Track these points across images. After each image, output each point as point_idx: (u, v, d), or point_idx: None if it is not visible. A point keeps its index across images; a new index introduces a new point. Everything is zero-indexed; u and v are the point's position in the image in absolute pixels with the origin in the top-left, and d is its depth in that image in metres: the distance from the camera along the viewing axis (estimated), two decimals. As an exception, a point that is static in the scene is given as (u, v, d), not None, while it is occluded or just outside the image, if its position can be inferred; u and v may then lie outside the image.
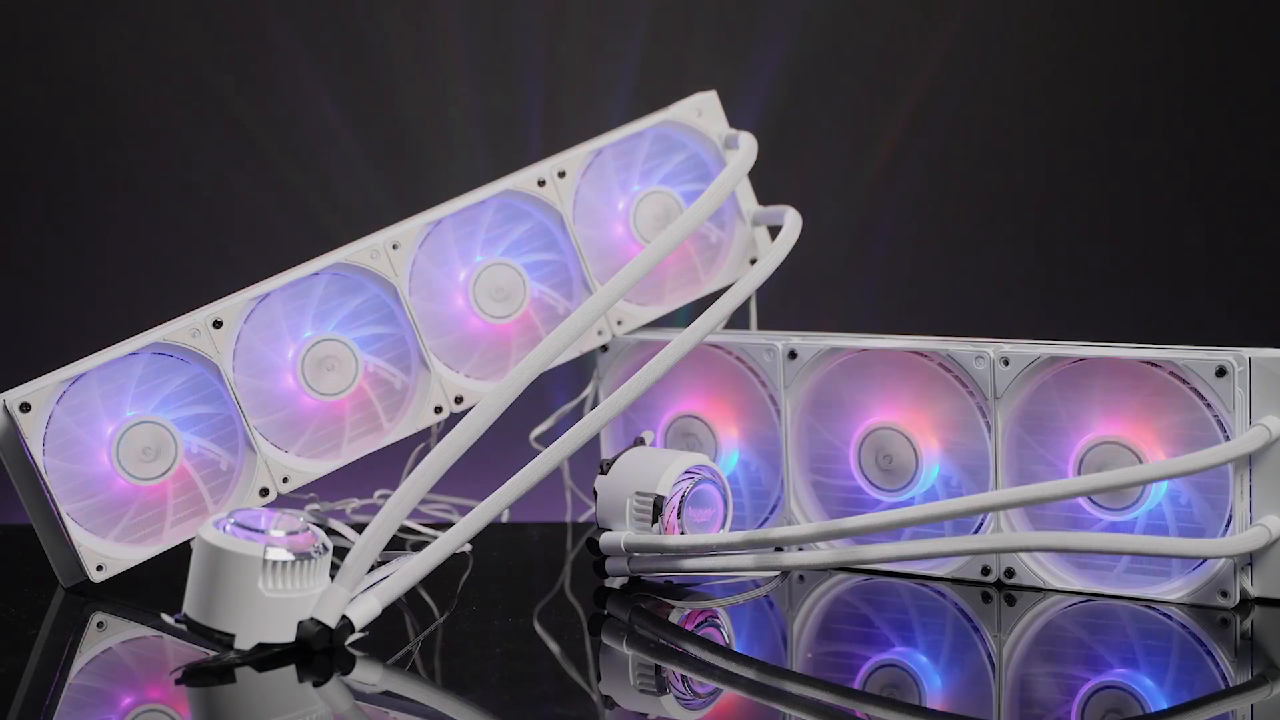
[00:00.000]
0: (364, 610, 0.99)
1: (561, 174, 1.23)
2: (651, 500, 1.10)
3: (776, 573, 1.14)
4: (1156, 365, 1.05)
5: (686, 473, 1.11)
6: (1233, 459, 1.02)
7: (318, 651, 0.97)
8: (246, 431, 1.16)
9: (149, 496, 1.15)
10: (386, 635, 1.03)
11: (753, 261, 1.27)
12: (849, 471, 1.15)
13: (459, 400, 1.20)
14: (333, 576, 0.99)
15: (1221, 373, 1.03)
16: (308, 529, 0.98)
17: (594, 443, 1.20)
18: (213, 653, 0.97)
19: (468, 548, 1.19)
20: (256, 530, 0.97)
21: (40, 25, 1.73)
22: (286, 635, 0.97)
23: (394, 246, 1.19)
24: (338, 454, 1.19)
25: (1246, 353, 1.04)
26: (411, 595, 1.11)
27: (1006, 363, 1.09)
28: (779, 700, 0.94)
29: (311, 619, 0.97)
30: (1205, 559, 1.04)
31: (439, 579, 1.08)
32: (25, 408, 1.12)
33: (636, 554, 1.10)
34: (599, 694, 0.95)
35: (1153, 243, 1.83)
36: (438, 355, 1.21)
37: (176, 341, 1.15)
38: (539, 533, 1.33)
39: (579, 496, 1.33)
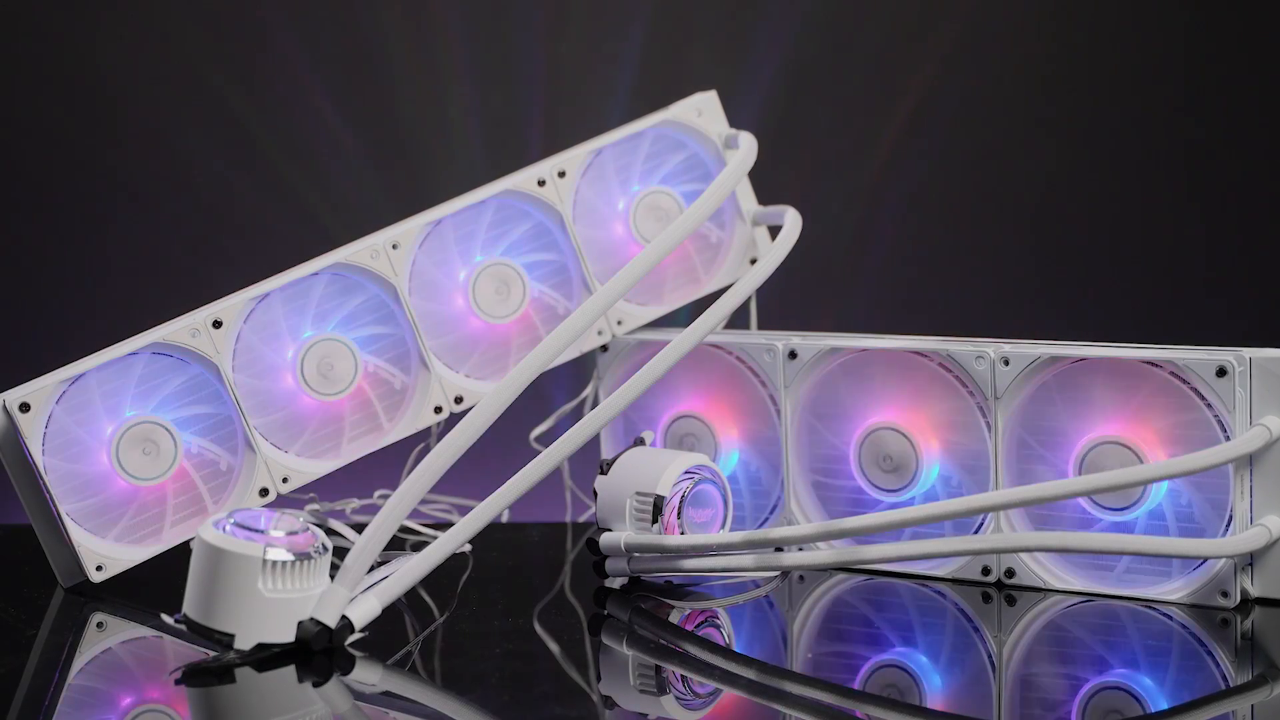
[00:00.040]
0: (364, 610, 0.99)
1: (561, 174, 1.23)
2: (651, 500, 1.10)
3: (776, 573, 1.14)
4: (1157, 365, 1.05)
5: (686, 473, 1.11)
6: (1233, 459, 1.02)
7: (317, 652, 0.97)
8: (246, 431, 1.16)
9: (148, 496, 1.15)
10: (386, 635, 1.03)
11: (753, 261, 1.27)
12: (849, 471, 1.15)
13: (459, 400, 1.20)
14: (332, 577, 0.99)
15: (1222, 373, 1.03)
16: (307, 529, 0.98)
17: (594, 443, 1.20)
18: (212, 653, 0.97)
19: (468, 548, 1.19)
20: (256, 530, 0.97)
21: (40, 25, 1.73)
22: (286, 635, 0.97)
23: (394, 246, 1.19)
24: (337, 454, 1.19)
25: (1247, 353, 1.03)
26: (411, 595, 1.11)
27: (1007, 363, 1.09)
28: (779, 700, 0.94)
29: (311, 619, 0.97)
30: (1206, 559, 1.04)
31: (439, 579, 1.08)
32: (25, 408, 1.12)
33: (636, 554, 1.10)
34: (599, 694, 0.95)
35: (1153, 242, 1.83)
36: (437, 355, 1.21)
37: (176, 341, 1.15)
38: (539, 533, 1.33)
39: (579, 496, 1.33)
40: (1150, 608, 1.05)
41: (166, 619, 0.98)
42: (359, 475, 1.23)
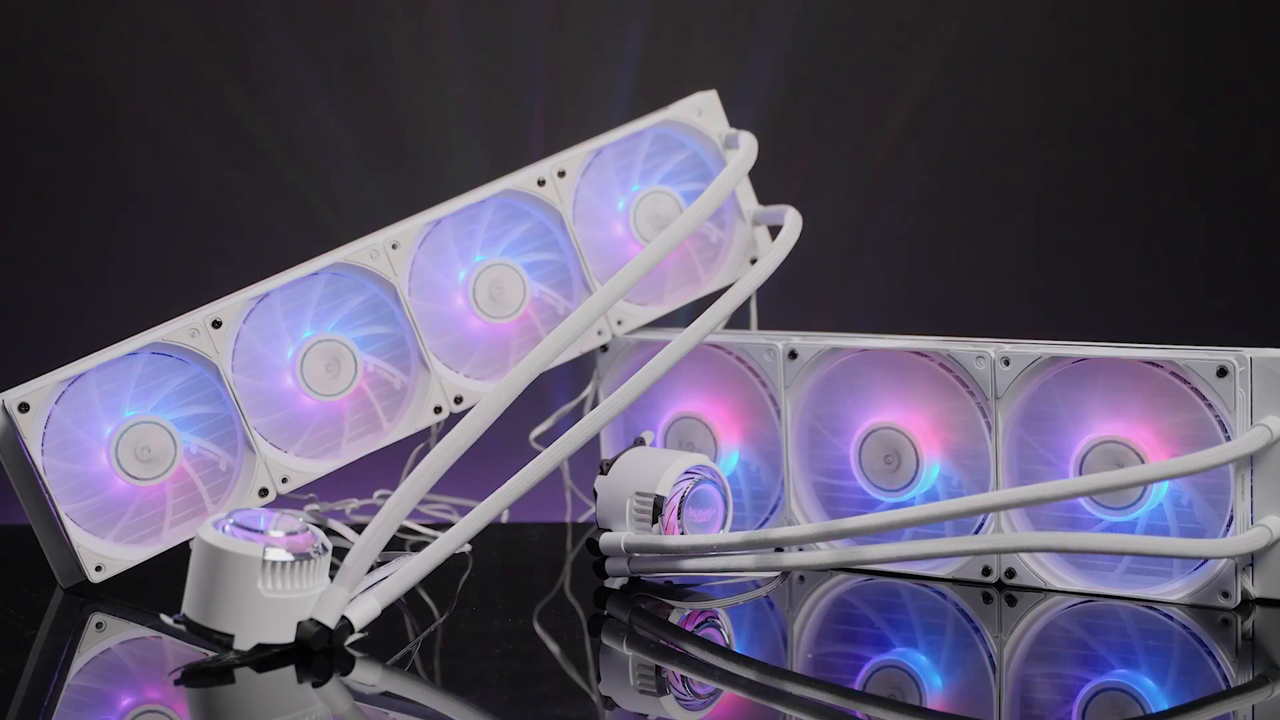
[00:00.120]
0: (363, 611, 0.99)
1: (561, 174, 1.23)
2: (651, 500, 1.10)
3: (777, 573, 1.13)
4: (1157, 365, 1.05)
5: (686, 473, 1.11)
6: (1234, 459, 1.02)
7: (317, 652, 0.97)
8: (246, 431, 1.16)
9: (148, 497, 1.15)
10: (386, 636, 1.02)
11: (753, 261, 1.27)
12: (849, 472, 1.15)
13: (458, 400, 1.20)
14: (332, 577, 0.99)
15: (1223, 373, 1.03)
16: (307, 529, 0.98)
17: (594, 443, 1.20)
18: (212, 653, 0.97)
19: (467, 548, 1.19)
20: (256, 531, 0.96)
21: (40, 25, 1.73)
22: (286, 636, 0.97)
23: (393, 246, 1.19)
24: (337, 454, 1.19)
25: (1248, 352, 1.03)
26: (411, 596, 1.10)
27: (1007, 363, 1.09)
28: (779, 701, 0.94)
29: (311, 619, 0.97)
30: (1206, 559, 1.04)
31: (438, 579, 1.08)
32: (24, 408, 1.12)
33: (636, 554, 1.10)
34: (599, 694, 0.95)
35: (1153, 243, 1.83)
36: (437, 355, 1.20)
37: (175, 341, 1.15)
38: (539, 533, 1.33)
39: (579, 496, 1.32)
40: (1151, 608, 1.05)
41: (166, 619, 0.98)
42: (358, 475, 1.23)
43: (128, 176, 1.77)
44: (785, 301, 1.44)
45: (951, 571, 1.11)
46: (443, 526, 1.18)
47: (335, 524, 1.20)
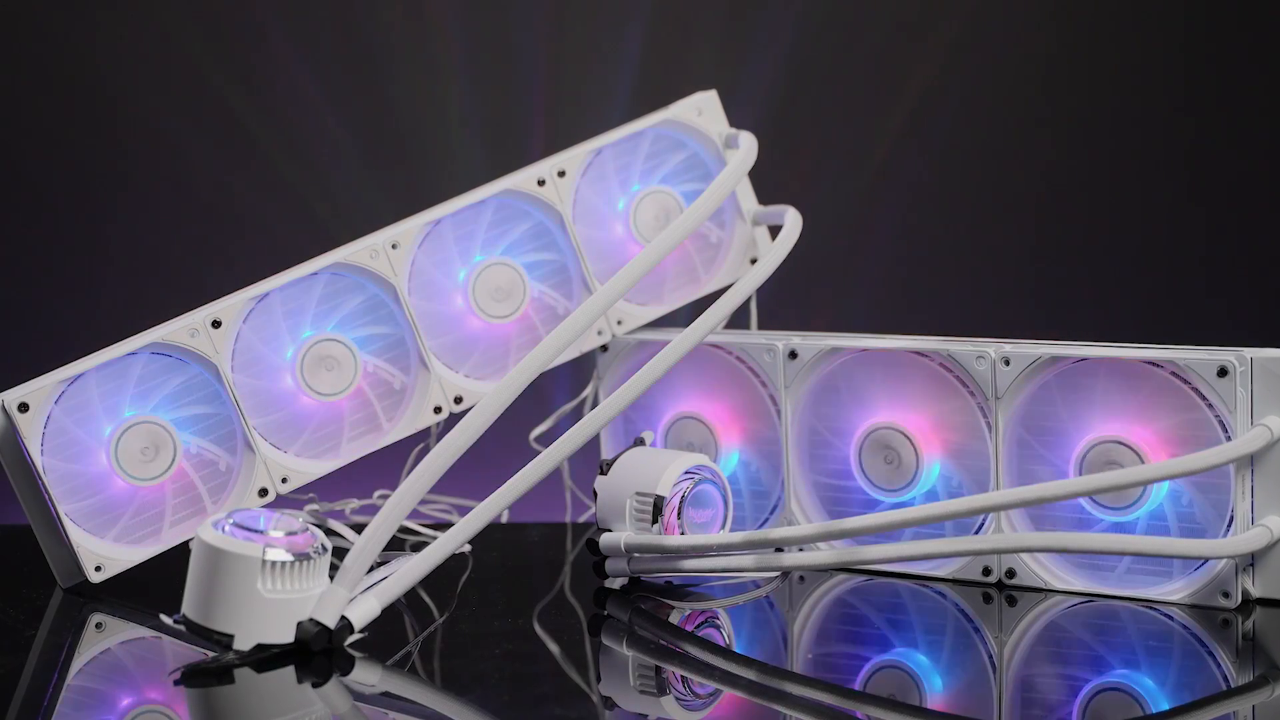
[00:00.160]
0: (363, 611, 0.99)
1: (561, 173, 1.23)
2: (651, 500, 1.10)
3: (777, 573, 1.13)
4: (1158, 365, 1.05)
5: (686, 473, 1.11)
6: (1234, 459, 1.02)
7: (317, 652, 0.97)
8: (245, 432, 1.16)
9: (147, 497, 1.15)
10: (386, 636, 1.02)
11: (753, 261, 1.27)
12: (849, 472, 1.15)
13: (458, 400, 1.20)
14: (332, 577, 0.99)
15: (1223, 373, 1.03)
16: (307, 529, 0.98)
17: (594, 443, 1.20)
18: (212, 653, 0.97)
19: (467, 548, 1.19)
20: (255, 531, 0.96)
21: (40, 25, 1.73)
22: (285, 636, 0.97)
23: (393, 246, 1.19)
24: (337, 454, 1.19)
25: (1248, 353, 1.03)
26: (411, 596, 1.10)
27: (1008, 363, 1.09)
28: (779, 701, 0.93)
29: (311, 620, 0.97)
30: (1207, 559, 1.04)
31: (438, 579, 1.08)
32: (24, 408, 1.12)
33: (636, 554, 1.10)
34: (599, 695, 0.95)
35: (1153, 243, 1.83)
36: (437, 355, 1.20)
37: (175, 341, 1.14)
38: (539, 533, 1.33)
39: (579, 497, 1.32)
40: (1151, 608, 1.05)
41: (165, 619, 0.98)
42: (358, 475, 1.23)
43: (128, 177, 1.77)
44: (785, 301, 1.44)
45: (952, 572, 1.11)
46: (443, 526, 1.18)
47: (335, 524, 1.19)
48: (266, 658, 0.96)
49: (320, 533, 0.99)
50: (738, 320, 1.21)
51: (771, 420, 1.18)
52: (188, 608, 0.97)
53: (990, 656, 0.99)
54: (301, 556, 0.96)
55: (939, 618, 1.07)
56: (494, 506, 1.03)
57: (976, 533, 1.10)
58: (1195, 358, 1.03)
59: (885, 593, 1.11)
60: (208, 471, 1.16)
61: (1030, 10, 1.84)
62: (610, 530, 1.11)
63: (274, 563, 0.96)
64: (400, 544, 1.21)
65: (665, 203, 1.25)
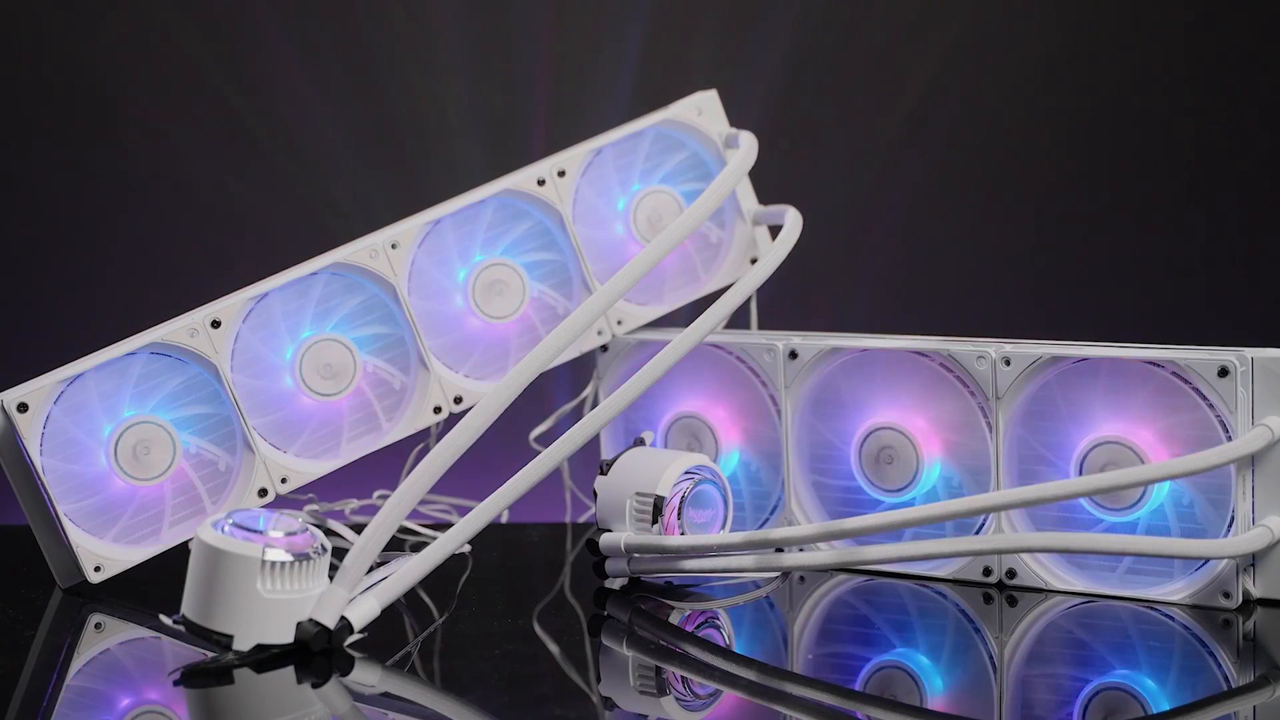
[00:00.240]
0: (363, 611, 0.99)
1: (561, 173, 1.22)
2: (651, 501, 1.10)
3: (777, 573, 1.13)
4: (1159, 365, 1.05)
5: (686, 473, 1.11)
6: (1235, 459, 1.02)
7: (316, 653, 0.97)
8: (245, 432, 1.16)
9: (147, 497, 1.15)
10: (385, 636, 1.02)
11: (753, 261, 1.26)
12: (850, 472, 1.15)
13: (458, 400, 1.20)
14: (332, 577, 0.99)
15: (1224, 373, 1.02)
16: (306, 530, 0.98)
17: (594, 443, 1.20)
18: (211, 654, 0.97)
19: (467, 548, 1.19)
20: (255, 531, 0.96)
21: (40, 25, 1.73)
22: (285, 636, 0.97)
23: (393, 246, 1.19)
24: (336, 454, 1.19)
25: (1249, 353, 1.03)
26: (410, 596, 1.10)
27: (1008, 363, 1.09)
28: (779, 702, 0.93)
29: (310, 620, 0.97)
30: (1207, 560, 1.04)
31: (438, 580, 1.08)
32: (23, 408, 1.12)
33: (636, 555, 1.10)
34: (599, 695, 0.95)
35: (1153, 243, 1.83)
36: (437, 355, 1.20)
37: (174, 341, 1.14)
38: (539, 533, 1.33)
39: (579, 497, 1.32)
40: (1152, 608, 1.05)
41: (165, 620, 0.98)
42: (358, 476, 1.23)
43: (128, 176, 1.77)
44: (785, 301, 1.44)
45: (952, 572, 1.11)
46: (442, 526, 1.18)
47: (335, 524, 1.19)
48: (266, 658, 0.96)
49: (320, 533, 0.99)
50: (738, 320, 1.21)
51: (771, 420, 1.17)
52: (187, 608, 0.97)
53: (990, 657, 0.99)
54: (301, 557, 0.96)
55: (939, 618, 1.07)
56: (494, 506, 1.03)
57: (977, 533, 1.10)
58: (1196, 358, 1.03)
59: (886, 593, 1.11)
60: (207, 472, 1.16)
61: (1030, 10, 1.84)
62: (610, 530, 1.11)
63: (273, 563, 0.95)
64: (400, 544, 1.21)
65: (665, 202, 1.25)
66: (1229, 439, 1.03)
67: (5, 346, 1.72)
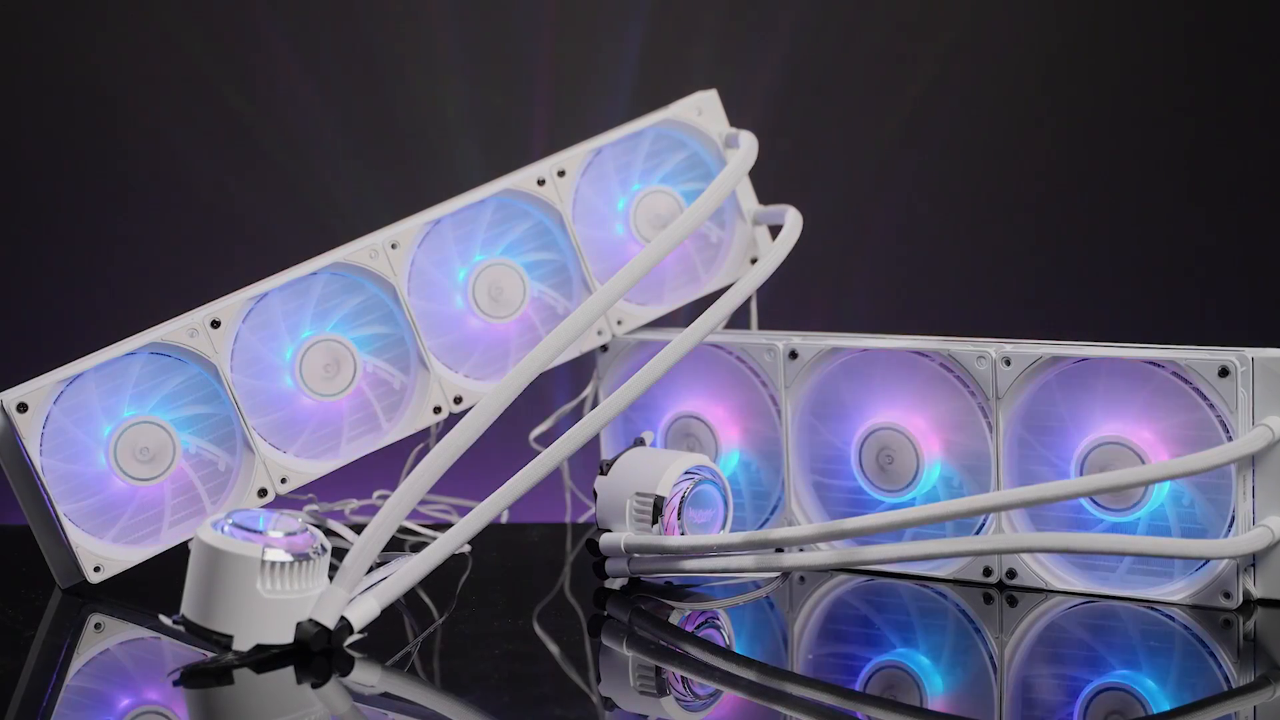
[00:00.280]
0: (362, 611, 0.99)
1: (561, 173, 1.22)
2: (651, 501, 1.09)
3: (777, 574, 1.13)
4: (1159, 365, 1.05)
5: (686, 473, 1.11)
6: (1235, 459, 1.02)
7: (316, 653, 0.97)
8: (245, 432, 1.16)
9: (147, 497, 1.15)
10: (385, 636, 1.02)
11: (753, 261, 1.26)
12: (850, 472, 1.15)
13: (458, 400, 1.20)
14: (331, 578, 0.99)
15: (1224, 373, 1.02)
16: (306, 530, 0.98)
17: (594, 443, 1.20)
18: (211, 654, 0.97)
19: (467, 548, 1.19)
20: (255, 531, 0.96)
21: (40, 25, 1.73)
22: (285, 636, 0.97)
23: (393, 246, 1.19)
24: (336, 454, 1.19)
25: (1249, 353, 1.03)
26: (410, 596, 1.10)
27: (1008, 363, 1.09)
28: (780, 702, 0.93)
29: (310, 620, 0.97)
30: (1208, 560, 1.04)
31: (438, 580, 1.08)
32: (22, 408, 1.12)
33: (636, 555, 1.10)
34: (599, 695, 0.95)
35: (1153, 243, 1.83)
36: (437, 355, 1.20)
37: (174, 341, 1.14)
38: (539, 533, 1.33)
39: (579, 497, 1.32)
40: (1152, 609, 1.05)
41: (165, 620, 0.98)
42: (358, 476, 1.23)
43: (127, 176, 1.77)
44: (785, 301, 1.44)
45: (952, 572, 1.11)
46: (442, 526, 1.18)
47: (334, 524, 1.19)
48: (266, 658, 0.96)
49: (319, 533, 0.99)
50: (738, 320, 1.21)
51: (771, 420, 1.17)
52: (187, 608, 0.97)
53: (991, 657, 0.99)
54: (301, 557, 0.96)
55: (940, 618, 1.07)
56: (494, 506, 1.03)
57: (977, 533, 1.10)
58: (1196, 358, 1.03)
59: (886, 593, 1.11)
60: (207, 472, 1.16)
61: (1030, 10, 1.84)
62: (610, 530, 1.11)
63: (273, 563, 0.95)
64: (400, 544, 1.21)
65: (665, 202, 1.25)
66: (1229, 439, 1.03)
67: (5, 346, 1.72)
